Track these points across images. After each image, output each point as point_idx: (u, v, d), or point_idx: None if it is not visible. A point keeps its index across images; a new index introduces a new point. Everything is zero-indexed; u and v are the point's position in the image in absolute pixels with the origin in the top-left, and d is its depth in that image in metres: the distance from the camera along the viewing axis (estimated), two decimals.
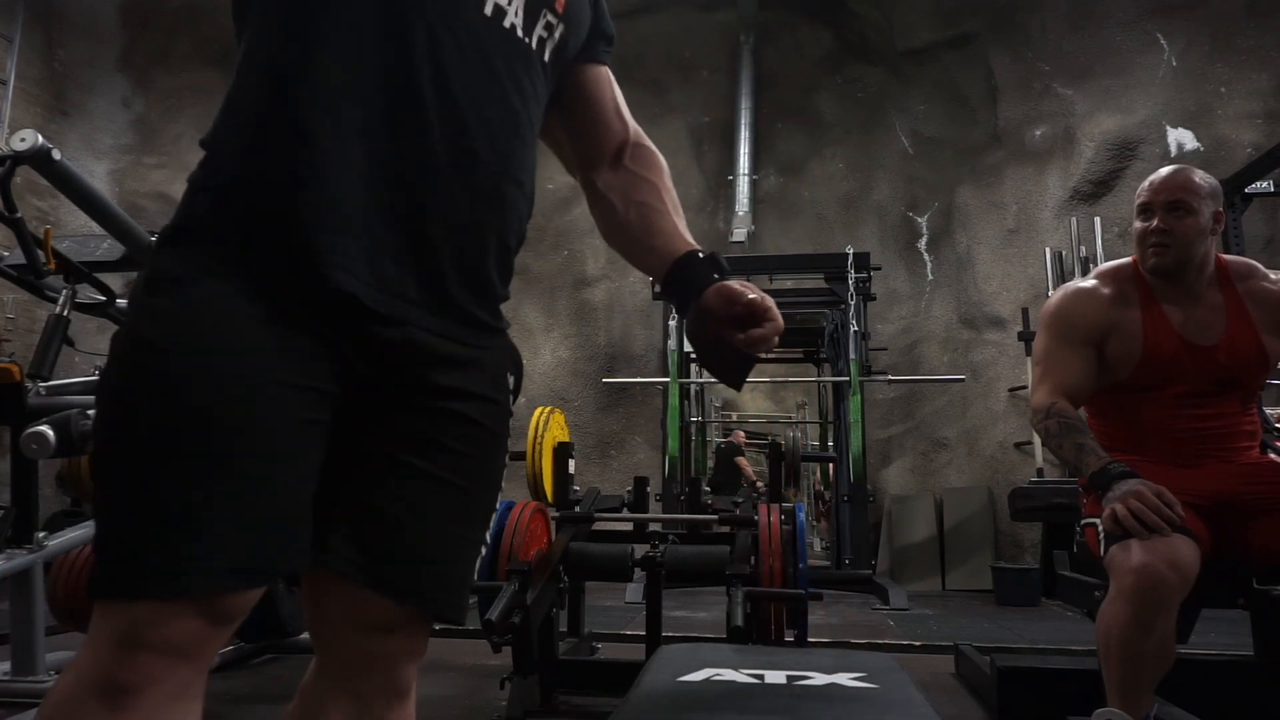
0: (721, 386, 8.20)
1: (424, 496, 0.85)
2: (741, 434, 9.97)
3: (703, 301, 0.96)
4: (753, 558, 2.36)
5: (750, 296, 0.92)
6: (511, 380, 0.96)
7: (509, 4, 0.88)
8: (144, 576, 0.70)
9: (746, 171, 8.05)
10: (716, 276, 0.97)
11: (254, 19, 0.85)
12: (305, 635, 3.11)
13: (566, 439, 3.35)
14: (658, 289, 1.16)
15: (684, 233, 1.03)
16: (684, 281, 0.99)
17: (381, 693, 0.86)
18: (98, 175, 7.55)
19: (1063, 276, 5.90)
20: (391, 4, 0.82)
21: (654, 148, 1.11)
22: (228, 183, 0.81)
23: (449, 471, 0.87)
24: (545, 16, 0.92)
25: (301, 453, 0.78)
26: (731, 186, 8.10)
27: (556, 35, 0.94)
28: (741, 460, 8.92)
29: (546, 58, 0.94)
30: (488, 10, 0.86)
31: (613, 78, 1.11)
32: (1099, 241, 5.98)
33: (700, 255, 1.00)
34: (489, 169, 0.86)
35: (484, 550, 0.96)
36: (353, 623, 0.84)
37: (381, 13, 0.82)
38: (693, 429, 7.11)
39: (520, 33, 0.89)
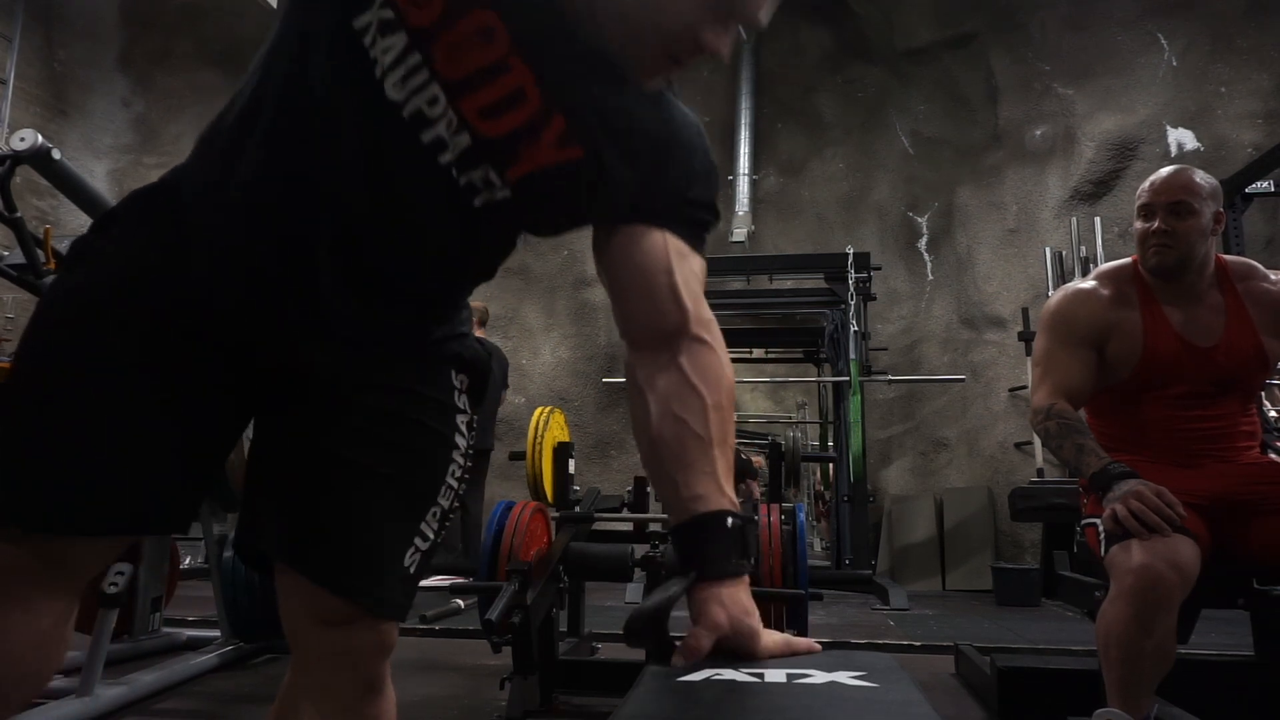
0: None
1: (344, 484, 0.87)
2: (761, 459, 9.67)
3: (694, 602, 0.82)
4: (753, 558, 2.36)
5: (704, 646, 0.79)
6: (462, 379, 0.95)
7: (449, 136, 0.81)
8: None
9: (746, 171, 8.05)
10: (742, 563, 0.83)
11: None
12: None
13: (566, 439, 3.35)
14: None
15: (719, 475, 0.86)
16: (697, 549, 0.83)
17: (353, 687, 0.88)
18: (97, 175, 7.55)
19: (1063, 276, 5.90)
20: (329, 107, 0.81)
21: (719, 348, 0.90)
22: (158, 184, 0.90)
23: (371, 460, 0.88)
24: (485, 171, 0.83)
25: (140, 426, 0.82)
26: (731, 186, 8.10)
27: (497, 196, 0.84)
28: (753, 484, 8.58)
29: (478, 203, 0.84)
30: (426, 139, 0.81)
31: (681, 250, 0.90)
32: (1099, 241, 5.97)
33: (729, 521, 0.84)
34: (382, 281, 0.86)
35: (423, 545, 0.92)
36: (311, 616, 0.86)
37: (316, 116, 0.81)
38: None
39: (455, 172, 0.83)
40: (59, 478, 0.79)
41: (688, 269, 0.90)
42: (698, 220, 0.92)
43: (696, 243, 0.92)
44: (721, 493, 0.85)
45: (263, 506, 0.88)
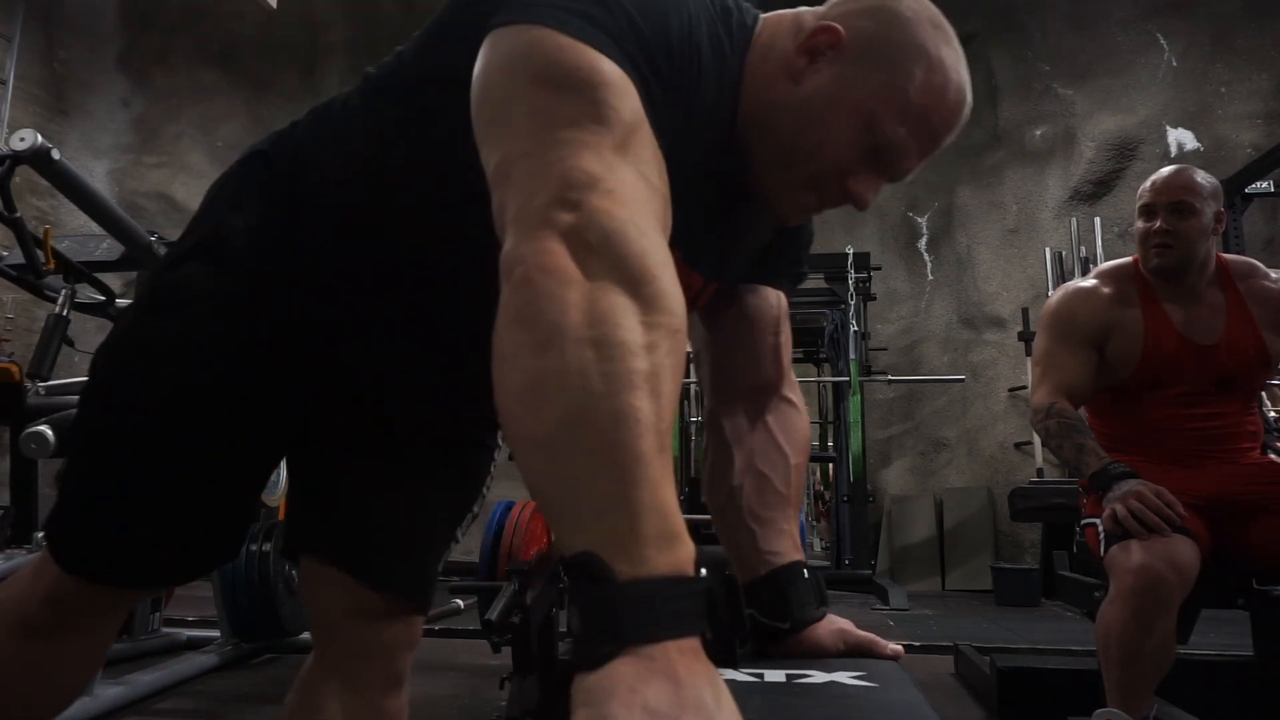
0: None
1: (412, 499, 0.90)
2: None
3: (808, 640, 0.87)
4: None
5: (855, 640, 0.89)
6: None
7: None
8: (77, 560, 0.80)
9: None
10: (823, 610, 0.89)
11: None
12: (305, 635, 3.11)
13: None
14: None
15: (794, 531, 0.92)
16: (781, 598, 0.87)
17: (379, 681, 0.90)
18: (97, 175, 7.54)
19: (1063, 276, 5.89)
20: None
21: (802, 408, 0.97)
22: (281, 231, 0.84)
23: (438, 477, 0.92)
24: None
25: (227, 486, 0.84)
26: None
27: None
28: None
29: None
30: None
31: (786, 310, 0.97)
32: (1099, 241, 5.97)
33: (805, 573, 0.89)
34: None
35: (454, 546, 0.98)
36: (350, 611, 0.87)
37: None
38: (693, 429, 7.10)
39: None
40: (156, 540, 0.81)
41: (787, 333, 0.97)
42: (800, 275, 1.01)
43: (791, 295, 1.00)
44: (796, 548, 0.90)
45: (323, 516, 0.89)
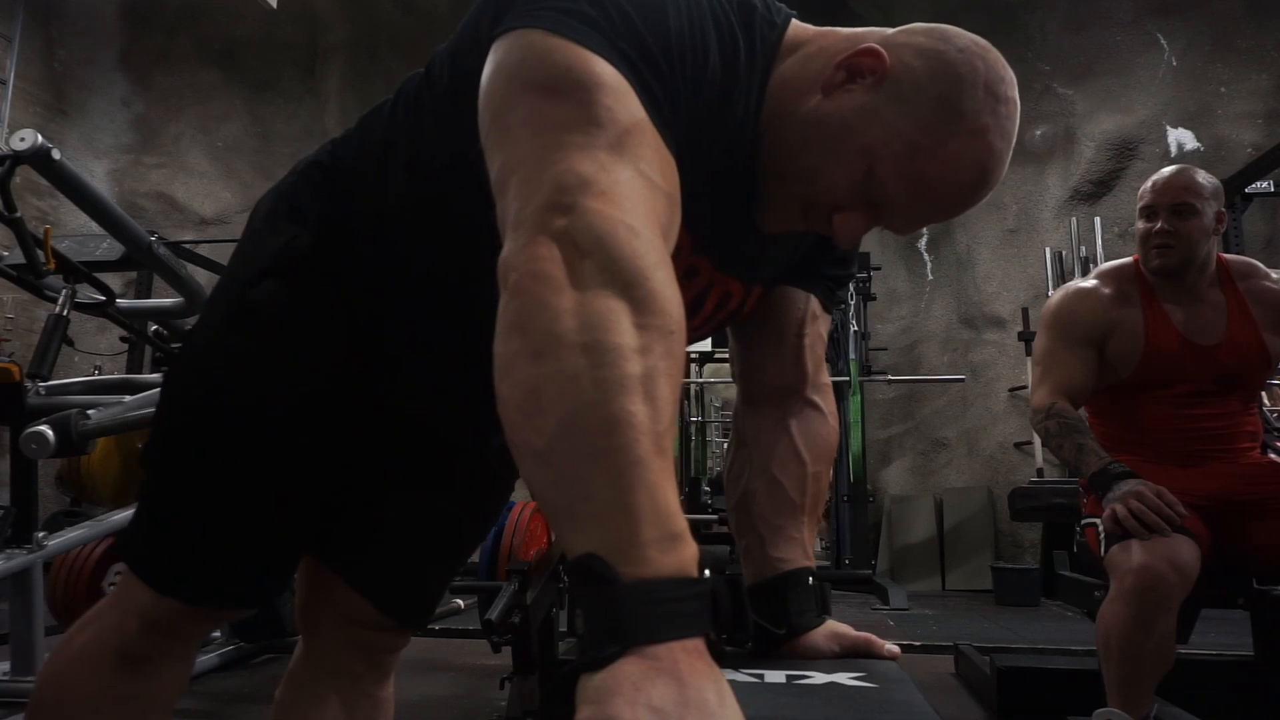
0: (722, 386, 8.21)
1: (440, 534, 0.94)
2: None
3: (804, 644, 0.86)
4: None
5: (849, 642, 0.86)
6: None
7: None
8: (177, 582, 0.80)
9: None
10: (823, 617, 0.88)
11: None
12: None
13: None
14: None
15: (805, 540, 0.90)
16: (780, 603, 0.86)
17: (372, 672, 0.95)
18: (97, 175, 7.54)
19: (1063, 276, 5.89)
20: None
21: (829, 412, 0.94)
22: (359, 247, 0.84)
23: (464, 513, 0.95)
24: None
25: (311, 510, 0.85)
26: None
27: None
28: None
29: None
30: None
31: (816, 311, 0.93)
32: (1099, 241, 5.97)
33: (810, 581, 0.88)
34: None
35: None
36: (349, 619, 0.90)
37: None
38: (692, 429, 7.11)
39: None
40: (246, 555, 0.82)
41: (815, 332, 0.93)
42: (839, 277, 0.95)
43: (831, 301, 0.95)
44: (805, 555, 0.89)
45: (343, 532, 0.90)
